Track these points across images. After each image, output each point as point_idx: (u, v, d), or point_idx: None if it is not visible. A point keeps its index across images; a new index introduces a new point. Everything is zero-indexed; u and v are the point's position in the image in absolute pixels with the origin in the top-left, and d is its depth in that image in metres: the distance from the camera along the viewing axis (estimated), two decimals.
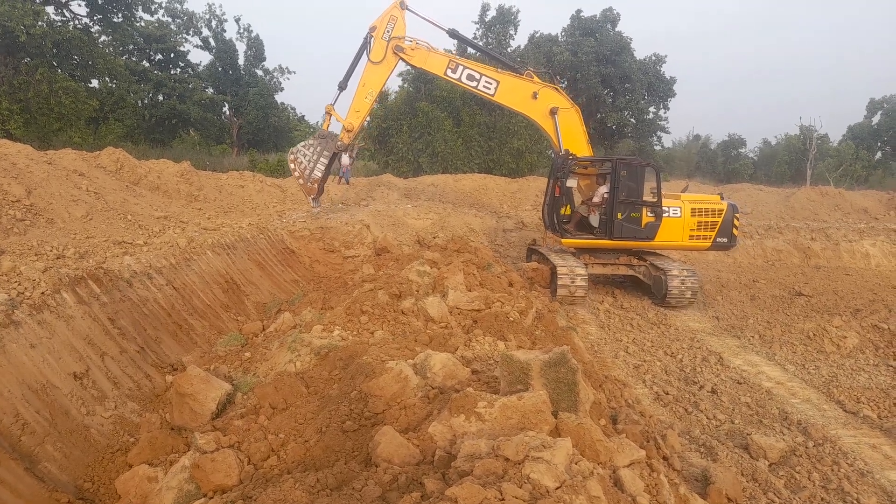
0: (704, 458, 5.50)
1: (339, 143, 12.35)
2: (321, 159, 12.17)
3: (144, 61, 37.02)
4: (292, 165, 12.25)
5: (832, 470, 5.41)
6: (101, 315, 6.18)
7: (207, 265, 8.99)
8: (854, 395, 7.28)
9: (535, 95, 12.06)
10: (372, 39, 11.99)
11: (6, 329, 4.96)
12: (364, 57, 12.18)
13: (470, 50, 27.79)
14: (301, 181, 12.22)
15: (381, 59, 11.98)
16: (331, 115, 12.44)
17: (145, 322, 6.79)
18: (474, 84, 12.15)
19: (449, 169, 26.92)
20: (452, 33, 12.90)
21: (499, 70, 12.45)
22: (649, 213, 11.42)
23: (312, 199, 12.52)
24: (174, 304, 7.53)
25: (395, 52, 11.98)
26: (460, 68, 12.15)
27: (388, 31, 11.91)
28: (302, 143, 12.44)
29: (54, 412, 4.79)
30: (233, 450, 3.89)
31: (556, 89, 12.30)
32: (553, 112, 12.01)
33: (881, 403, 7.02)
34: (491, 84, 12.06)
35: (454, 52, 24.56)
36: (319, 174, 12.23)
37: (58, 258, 6.71)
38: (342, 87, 12.81)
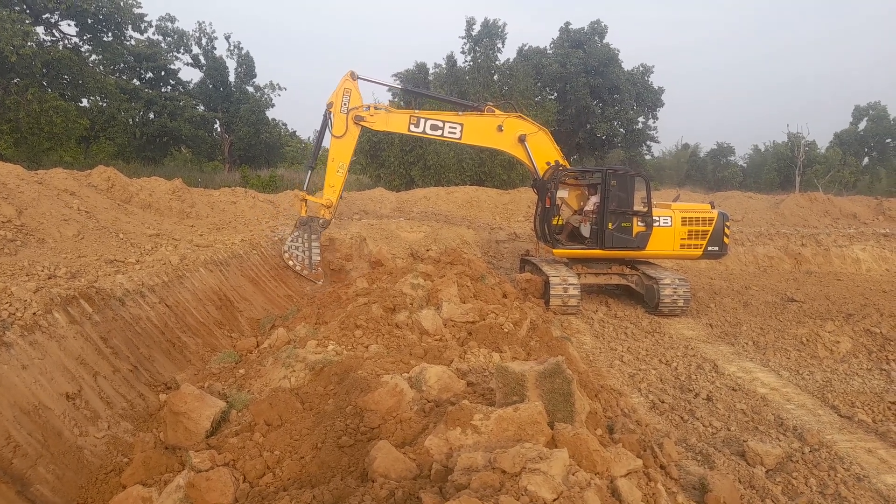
0: (701, 465, 5.50)
1: (321, 221, 12.42)
2: (313, 245, 12.29)
3: (135, 80, 36.95)
4: (291, 262, 12.19)
5: (829, 475, 5.42)
6: (93, 334, 6.13)
7: (200, 282, 8.95)
8: (848, 399, 7.33)
9: (500, 128, 12.14)
10: (331, 115, 12.08)
11: None
12: (328, 133, 12.27)
13: (466, 76, 27.71)
14: (305, 272, 12.26)
15: (343, 132, 12.07)
16: (305, 200, 12.43)
17: (138, 340, 6.74)
18: (439, 133, 12.22)
19: (441, 181, 26.97)
20: (406, 90, 12.28)
21: (459, 113, 12.56)
22: (640, 223, 11.50)
23: (320, 283, 12.51)
24: (167, 322, 7.49)
25: (355, 123, 12.07)
26: (422, 121, 12.20)
27: (344, 104, 11.99)
28: (290, 239, 12.34)
29: (46, 434, 4.74)
30: (228, 468, 3.86)
31: (520, 116, 12.43)
32: (521, 139, 12.13)
33: (875, 407, 7.06)
34: (455, 128, 12.14)
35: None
36: (318, 258, 12.32)
37: (49, 278, 6.66)
38: (311, 166, 12.93)
